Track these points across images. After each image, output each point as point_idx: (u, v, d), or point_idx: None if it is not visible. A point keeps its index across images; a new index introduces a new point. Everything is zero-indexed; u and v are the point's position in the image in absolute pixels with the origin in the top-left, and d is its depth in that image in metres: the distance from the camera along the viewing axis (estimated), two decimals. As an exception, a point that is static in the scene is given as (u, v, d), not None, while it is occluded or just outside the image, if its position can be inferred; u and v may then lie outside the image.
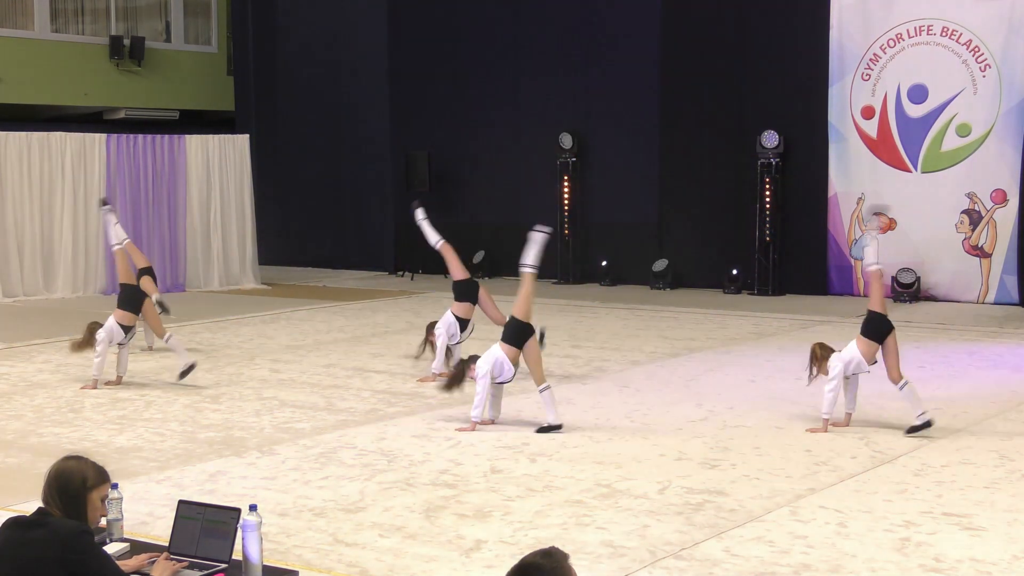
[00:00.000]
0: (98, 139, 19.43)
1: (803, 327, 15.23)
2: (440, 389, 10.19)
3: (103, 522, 4.96)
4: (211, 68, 25.33)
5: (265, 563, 4.90)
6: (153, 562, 4.84)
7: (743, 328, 15.41)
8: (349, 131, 23.36)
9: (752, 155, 18.84)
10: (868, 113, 18.23)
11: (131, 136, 19.87)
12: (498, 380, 9.74)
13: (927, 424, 9.40)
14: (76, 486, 4.55)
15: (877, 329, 9.64)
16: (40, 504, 4.64)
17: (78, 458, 4.70)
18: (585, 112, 20.60)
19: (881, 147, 18.16)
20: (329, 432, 9.69)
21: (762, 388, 11.47)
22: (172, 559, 4.88)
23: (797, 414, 10.23)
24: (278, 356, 13.47)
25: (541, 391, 9.68)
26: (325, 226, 23.76)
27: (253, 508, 4.92)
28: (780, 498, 7.74)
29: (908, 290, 17.68)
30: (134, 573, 4.77)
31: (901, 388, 9.51)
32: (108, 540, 5.09)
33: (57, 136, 19.14)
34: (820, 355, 9.70)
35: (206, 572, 4.80)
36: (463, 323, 11.98)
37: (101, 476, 4.66)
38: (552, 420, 9.63)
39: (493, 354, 9.71)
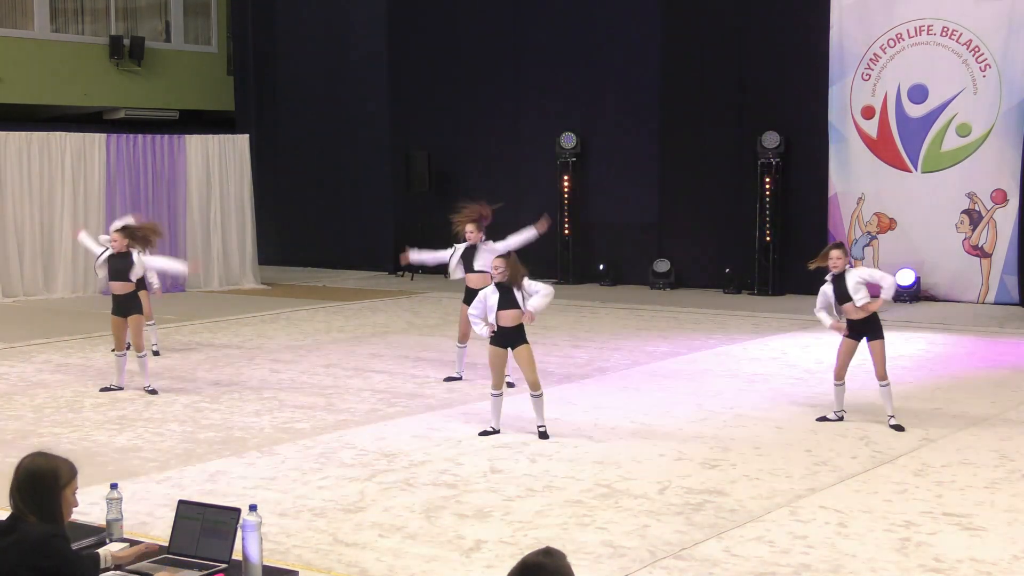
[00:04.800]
0: (98, 139, 19.42)
1: (803, 327, 15.22)
2: None
3: (102, 521, 4.95)
4: (211, 68, 25.32)
5: (265, 563, 4.90)
6: (154, 562, 4.85)
7: (743, 328, 15.41)
8: (349, 131, 23.35)
9: (752, 155, 18.85)
10: (868, 113, 18.22)
11: (131, 136, 19.86)
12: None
13: (838, 419, 9.95)
14: (50, 485, 4.47)
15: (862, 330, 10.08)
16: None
17: (45, 455, 4.59)
18: (585, 112, 20.59)
19: (881, 147, 18.15)
20: (329, 432, 9.69)
21: (762, 388, 11.47)
22: (168, 558, 4.88)
23: (797, 414, 10.23)
24: (278, 356, 13.46)
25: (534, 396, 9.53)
26: (325, 226, 23.74)
27: (253, 508, 4.91)
28: (780, 498, 7.74)
29: (908, 290, 17.67)
30: (134, 573, 4.77)
31: (838, 385, 9.99)
32: (108, 540, 5.09)
33: (57, 136, 19.13)
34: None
35: (206, 572, 4.80)
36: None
37: (72, 471, 4.56)
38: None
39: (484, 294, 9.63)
